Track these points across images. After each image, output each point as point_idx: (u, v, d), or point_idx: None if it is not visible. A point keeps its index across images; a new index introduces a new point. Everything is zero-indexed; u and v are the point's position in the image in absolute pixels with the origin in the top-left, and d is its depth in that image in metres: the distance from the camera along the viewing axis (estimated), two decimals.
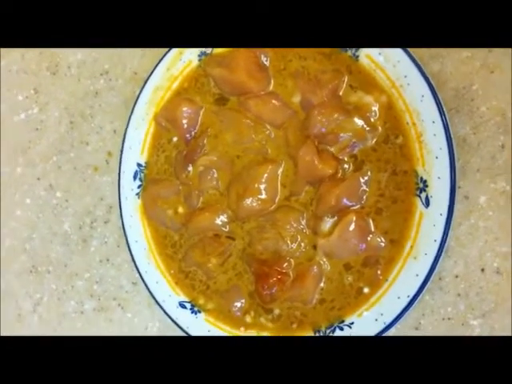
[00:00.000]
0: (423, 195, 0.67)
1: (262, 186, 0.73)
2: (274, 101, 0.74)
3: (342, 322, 0.71)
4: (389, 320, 0.68)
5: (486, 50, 0.67)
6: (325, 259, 0.71)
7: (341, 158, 0.70)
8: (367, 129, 0.69)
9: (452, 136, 0.64)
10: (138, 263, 0.81)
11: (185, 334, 0.77)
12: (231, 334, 0.76)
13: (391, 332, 0.69)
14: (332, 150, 0.71)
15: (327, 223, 0.71)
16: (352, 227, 0.69)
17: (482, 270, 0.67)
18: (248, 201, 0.73)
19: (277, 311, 0.74)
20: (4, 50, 0.95)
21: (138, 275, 0.81)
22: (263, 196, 0.73)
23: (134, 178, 0.82)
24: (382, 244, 0.69)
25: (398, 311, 0.67)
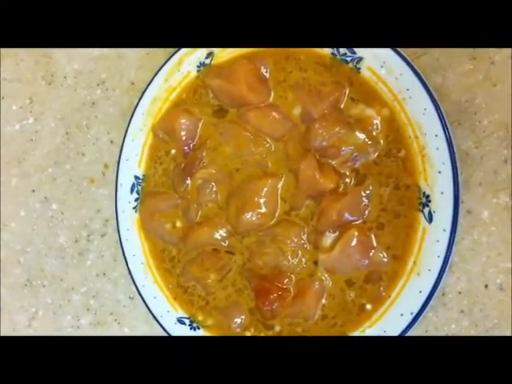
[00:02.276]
0: (426, 210, 0.66)
1: (262, 200, 0.72)
2: (274, 113, 0.72)
3: None
4: None
5: (488, 62, 0.66)
6: (326, 275, 0.70)
7: (342, 171, 0.69)
8: (369, 142, 0.68)
9: (455, 150, 0.63)
10: (135, 277, 0.79)
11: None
12: None
13: None
14: (333, 163, 0.70)
15: (328, 238, 0.70)
16: (354, 242, 0.68)
17: (486, 286, 0.66)
18: (247, 215, 0.72)
19: (277, 328, 0.72)
20: None
21: (135, 289, 0.80)
22: (263, 210, 0.72)
23: (131, 190, 0.81)
24: (385, 260, 0.68)
25: (402, 328, 0.66)
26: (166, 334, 0.77)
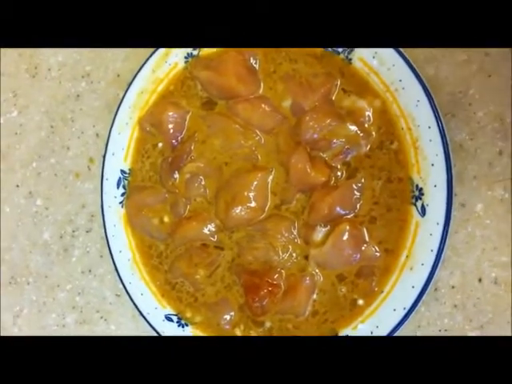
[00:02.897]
0: (419, 203, 0.64)
1: (252, 194, 0.70)
2: (263, 105, 0.71)
3: (336, 334, 0.68)
4: (384, 333, 0.65)
5: (482, 53, 0.65)
6: (317, 270, 0.69)
7: (334, 165, 0.68)
8: (361, 134, 0.67)
9: (449, 142, 0.62)
10: (121, 274, 0.78)
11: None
12: None
13: None
14: (325, 156, 0.68)
15: (320, 233, 0.68)
16: (345, 237, 0.66)
17: (480, 280, 0.65)
18: (237, 209, 0.71)
19: (268, 324, 0.71)
20: None
21: (121, 286, 0.78)
22: (253, 204, 0.71)
23: (118, 185, 0.79)
24: (377, 254, 0.66)
25: (394, 324, 0.65)
26: (153, 332, 0.75)
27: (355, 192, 0.67)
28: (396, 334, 0.65)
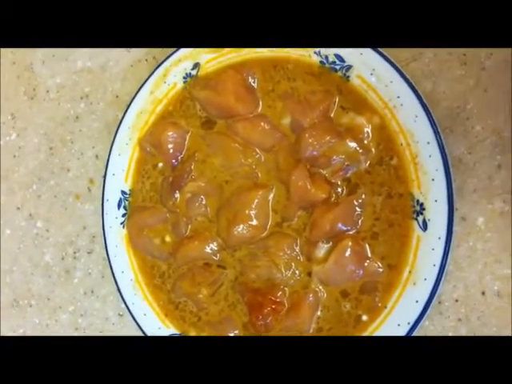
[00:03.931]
0: (420, 218, 0.65)
1: (253, 212, 0.71)
2: (262, 123, 0.71)
3: None
4: None
5: (479, 67, 0.66)
6: (320, 287, 0.69)
7: (334, 181, 0.68)
8: (360, 151, 0.67)
9: (448, 157, 0.62)
10: (124, 295, 0.78)
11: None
12: None
13: None
14: (325, 173, 0.68)
15: (322, 249, 0.68)
16: (348, 253, 0.67)
17: (483, 293, 0.65)
18: (238, 228, 0.71)
19: None
20: None
21: (124, 307, 0.78)
22: (254, 222, 0.71)
23: (119, 206, 0.79)
24: (380, 270, 0.66)
25: None
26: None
27: (356, 208, 0.67)
28: None
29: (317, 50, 0.69)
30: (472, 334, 0.66)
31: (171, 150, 0.76)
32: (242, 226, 0.71)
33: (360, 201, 0.67)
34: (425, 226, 0.64)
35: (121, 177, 0.79)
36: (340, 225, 0.67)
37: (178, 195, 0.75)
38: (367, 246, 0.67)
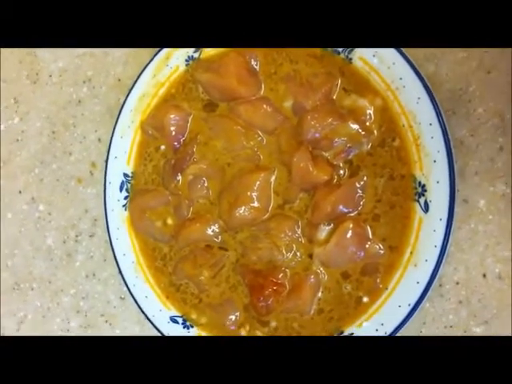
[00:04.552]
0: (422, 200, 0.65)
1: (255, 195, 0.71)
2: (265, 106, 0.71)
3: (342, 332, 0.68)
4: (390, 330, 0.65)
5: (481, 49, 0.66)
6: (322, 268, 0.69)
7: (336, 163, 0.68)
8: (362, 133, 0.67)
9: (450, 138, 0.62)
10: (125, 277, 0.78)
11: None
12: None
13: None
14: (327, 155, 0.68)
15: (323, 231, 0.69)
16: (349, 235, 0.67)
17: (484, 275, 0.65)
18: (240, 210, 0.71)
19: (273, 323, 0.71)
20: None
21: (126, 290, 0.78)
22: (256, 204, 0.71)
23: (121, 188, 0.79)
24: (381, 251, 0.67)
25: (399, 320, 0.65)
26: (158, 334, 0.75)
27: (358, 190, 0.67)
28: (401, 331, 0.65)
29: None
30: (472, 316, 0.66)
31: (173, 133, 0.76)
32: (243, 208, 0.71)
33: (362, 183, 0.67)
34: (426, 208, 0.64)
35: (123, 159, 0.79)
36: (341, 207, 0.67)
37: (179, 178, 0.75)
38: (368, 227, 0.67)
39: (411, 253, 0.65)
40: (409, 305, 0.64)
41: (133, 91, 0.78)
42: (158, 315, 0.76)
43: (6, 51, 0.91)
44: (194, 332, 0.75)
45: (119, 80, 0.84)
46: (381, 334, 0.66)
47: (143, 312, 0.76)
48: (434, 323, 0.67)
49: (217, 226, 0.74)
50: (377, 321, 0.67)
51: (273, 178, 0.71)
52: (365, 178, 0.67)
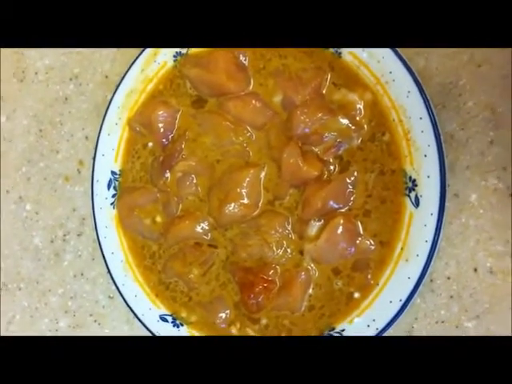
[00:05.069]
0: (412, 195, 0.64)
1: (244, 191, 0.70)
2: (254, 101, 0.71)
3: (333, 329, 0.68)
4: (381, 325, 0.65)
5: None
6: (312, 265, 0.68)
7: (326, 159, 0.68)
8: (352, 127, 0.67)
9: (440, 132, 0.62)
10: (114, 276, 0.77)
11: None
12: None
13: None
14: (317, 150, 0.68)
15: (314, 227, 0.68)
16: (340, 230, 0.66)
17: (475, 270, 0.65)
18: (230, 207, 0.70)
19: (264, 321, 0.70)
20: None
21: (114, 289, 0.77)
22: (245, 201, 0.70)
23: (108, 186, 0.78)
24: (372, 247, 0.66)
25: (391, 316, 0.64)
26: (148, 333, 0.74)
27: (348, 185, 0.67)
28: (392, 327, 0.65)
29: None
30: (464, 311, 0.65)
31: (162, 130, 0.75)
32: (233, 204, 0.70)
33: (352, 178, 0.67)
34: (417, 203, 0.64)
35: (110, 157, 0.78)
36: (332, 202, 0.67)
37: (168, 175, 0.74)
38: (359, 223, 0.67)
39: (402, 248, 0.65)
40: (400, 300, 0.64)
41: (120, 87, 0.77)
42: (148, 314, 0.75)
43: None
44: (183, 330, 0.74)
45: (106, 77, 0.83)
46: (372, 329, 0.65)
47: (132, 311, 0.75)
48: (426, 318, 0.67)
49: (206, 223, 0.73)
50: (368, 317, 0.66)
51: (262, 174, 0.70)
52: (355, 174, 0.67)
